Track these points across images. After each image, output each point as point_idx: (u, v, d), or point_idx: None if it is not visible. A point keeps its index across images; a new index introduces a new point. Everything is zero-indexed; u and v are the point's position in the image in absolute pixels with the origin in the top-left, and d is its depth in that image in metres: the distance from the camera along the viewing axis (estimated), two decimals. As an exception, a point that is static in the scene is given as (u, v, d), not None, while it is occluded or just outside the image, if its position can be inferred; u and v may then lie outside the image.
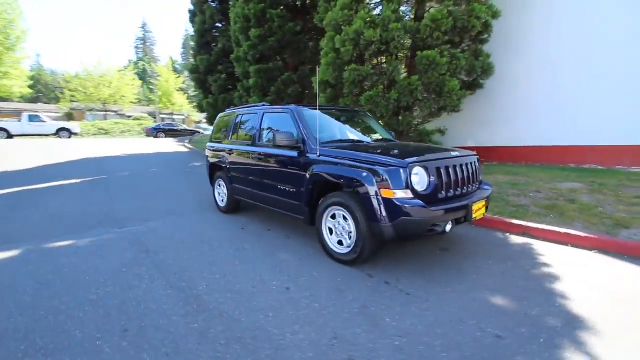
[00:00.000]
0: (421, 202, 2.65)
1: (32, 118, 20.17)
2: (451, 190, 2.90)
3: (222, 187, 5.08)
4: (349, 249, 3.01)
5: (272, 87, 10.07)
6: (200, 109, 14.04)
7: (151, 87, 45.98)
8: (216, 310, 2.33)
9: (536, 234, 3.83)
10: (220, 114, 5.52)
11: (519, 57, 7.82)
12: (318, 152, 3.25)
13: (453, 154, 3.10)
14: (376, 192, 2.70)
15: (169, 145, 18.41)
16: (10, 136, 19.19)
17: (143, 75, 49.93)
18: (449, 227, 2.77)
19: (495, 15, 7.11)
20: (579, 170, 6.68)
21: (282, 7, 9.60)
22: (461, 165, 3.05)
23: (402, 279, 2.79)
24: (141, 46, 63.33)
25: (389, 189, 2.65)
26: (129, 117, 36.07)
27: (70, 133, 21.18)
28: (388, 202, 2.65)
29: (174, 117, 41.83)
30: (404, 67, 7.01)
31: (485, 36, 7.30)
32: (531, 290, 2.57)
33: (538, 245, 3.59)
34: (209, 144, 5.56)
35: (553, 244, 3.61)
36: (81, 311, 2.34)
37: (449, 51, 6.62)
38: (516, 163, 7.97)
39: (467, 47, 7.24)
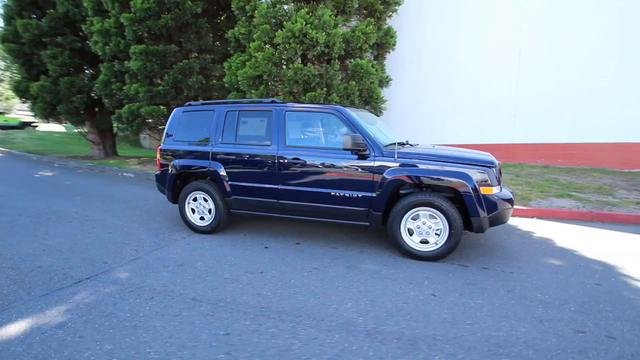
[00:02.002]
0: (508, 194, 3.18)
1: None
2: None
3: (205, 200, 4.01)
4: (437, 245, 3.19)
5: (165, 74, 8.24)
6: (22, 94, 9.57)
7: None
8: (427, 337, 2.06)
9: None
10: (182, 109, 4.28)
11: (398, 73, 9.65)
12: (396, 155, 3.23)
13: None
14: (477, 189, 3.02)
15: None
16: None
17: None
18: (508, 213, 3.43)
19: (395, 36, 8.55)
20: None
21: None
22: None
23: (487, 261, 3.23)
24: None
25: (490, 186, 3.04)
26: None
27: None
28: (488, 198, 3.03)
29: None
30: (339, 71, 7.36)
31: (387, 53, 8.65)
32: (564, 251, 3.54)
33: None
34: (167, 147, 4.22)
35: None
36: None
37: (372, 62, 7.50)
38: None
39: (376, 61, 8.37)
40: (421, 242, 3.26)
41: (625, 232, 4.21)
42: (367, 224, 3.41)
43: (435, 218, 3.18)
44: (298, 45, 6.49)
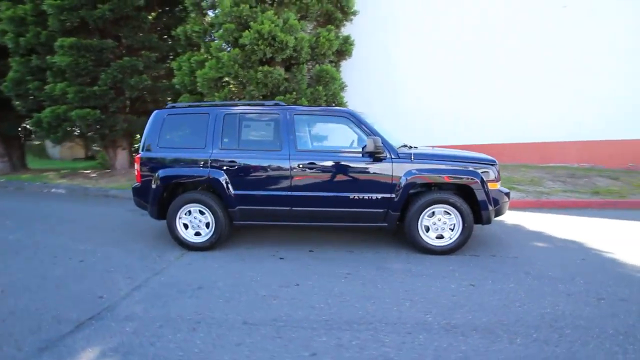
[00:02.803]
0: (505, 189, 3.57)
1: None
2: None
3: (202, 214, 3.61)
4: (452, 240, 3.42)
5: (102, 73, 7.12)
6: None
7: None
8: (497, 324, 2.20)
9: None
10: (166, 112, 3.79)
11: (350, 79, 10.01)
12: (412, 157, 3.37)
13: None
14: (485, 185, 3.33)
15: None
16: None
17: None
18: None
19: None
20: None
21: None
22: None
23: (490, 250, 3.58)
24: None
25: (495, 181, 3.38)
26: None
27: None
28: (494, 193, 3.38)
29: None
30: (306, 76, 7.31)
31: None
32: (540, 235, 4.12)
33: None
34: (150, 155, 3.69)
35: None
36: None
37: (334, 68, 7.68)
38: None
39: (335, 67, 8.58)
40: (436, 237, 3.46)
41: (569, 215, 5.11)
42: (385, 224, 3.48)
43: (449, 214, 3.41)
44: (267, 48, 6.29)
